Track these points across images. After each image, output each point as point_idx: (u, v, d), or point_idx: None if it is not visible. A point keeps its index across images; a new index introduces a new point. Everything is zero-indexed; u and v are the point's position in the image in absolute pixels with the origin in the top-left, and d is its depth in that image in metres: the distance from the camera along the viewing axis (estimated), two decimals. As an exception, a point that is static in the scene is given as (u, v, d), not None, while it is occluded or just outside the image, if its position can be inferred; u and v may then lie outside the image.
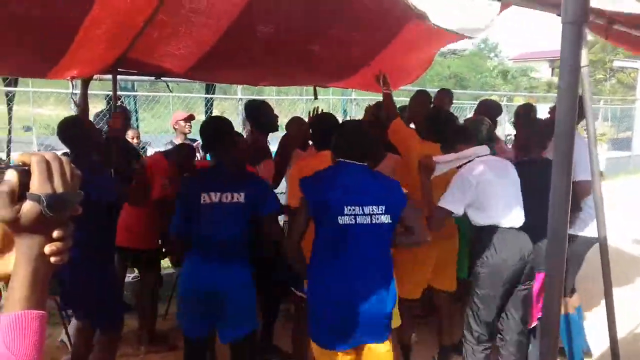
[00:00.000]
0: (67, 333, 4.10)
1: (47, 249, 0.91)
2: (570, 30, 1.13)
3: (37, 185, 0.88)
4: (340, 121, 5.23)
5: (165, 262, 5.13)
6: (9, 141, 6.82)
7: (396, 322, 3.24)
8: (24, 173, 0.89)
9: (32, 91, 9.49)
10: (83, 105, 4.11)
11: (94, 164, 3.32)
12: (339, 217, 2.52)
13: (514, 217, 3.24)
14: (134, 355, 4.19)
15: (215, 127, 3.19)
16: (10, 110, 6.65)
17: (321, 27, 3.94)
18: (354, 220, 2.53)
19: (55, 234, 0.92)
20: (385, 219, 2.57)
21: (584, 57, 2.04)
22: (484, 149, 3.37)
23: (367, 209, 2.55)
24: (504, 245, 3.20)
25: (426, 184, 3.35)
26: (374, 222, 2.55)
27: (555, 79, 32.49)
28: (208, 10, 3.52)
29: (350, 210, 2.53)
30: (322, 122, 3.76)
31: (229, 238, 2.96)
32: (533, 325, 3.59)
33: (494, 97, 20.98)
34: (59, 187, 0.90)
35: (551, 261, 1.21)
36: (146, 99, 7.93)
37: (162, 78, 4.50)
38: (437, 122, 3.83)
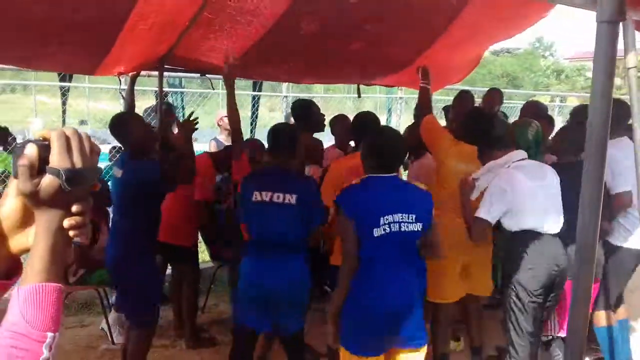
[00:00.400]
0: (107, 322, 4.22)
1: (66, 222, 0.92)
2: (605, 29, 1.07)
3: (56, 159, 0.89)
4: (384, 121, 5.19)
5: (204, 255, 5.22)
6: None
7: None
8: (44, 147, 0.90)
9: (86, 87, 9.80)
10: (130, 100, 4.21)
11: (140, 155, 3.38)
12: (374, 230, 2.55)
13: (550, 222, 3.14)
14: (171, 346, 4.26)
15: (286, 135, 3.22)
16: (64, 104, 6.88)
17: (365, 24, 3.90)
18: (387, 230, 2.55)
19: (74, 208, 0.93)
20: (415, 227, 2.59)
21: (632, 59, 1.94)
22: (519, 153, 3.27)
23: (397, 217, 2.56)
24: (540, 251, 3.11)
25: (467, 205, 3.31)
26: (403, 229, 2.57)
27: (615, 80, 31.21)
28: (253, 9, 3.56)
29: (384, 221, 2.55)
30: (362, 121, 3.77)
31: (280, 237, 3.01)
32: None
33: (546, 97, 20.43)
34: (78, 162, 0.91)
35: (578, 271, 1.15)
36: (193, 95, 8.07)
37: (207, 75, 4.55)
38: (474, 122, 3.71)
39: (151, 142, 3.57)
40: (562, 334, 3.50)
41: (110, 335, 4.20)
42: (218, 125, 5.80)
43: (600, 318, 3.80)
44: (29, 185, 0.89)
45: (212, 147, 5.66)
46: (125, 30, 3.17)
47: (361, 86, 5.85)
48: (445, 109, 5.96)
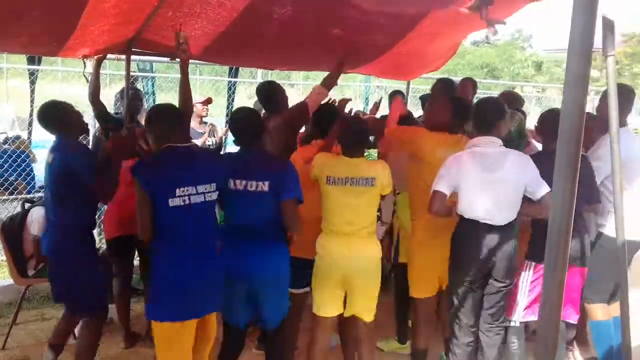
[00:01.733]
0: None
1: None
2: (583, 6, 0.97)
3: None
4: (362, 108, 5.11)
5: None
6: (31, 120, 6.85)
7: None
8: None
9: (60, 70, 9.54)
10: (95, 84, 4.05)
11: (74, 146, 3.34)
12: (169, 200, 2.74)
13: (497, 215, 3.11)
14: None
15: (244, 119, 3.17)
16: (32, 90, 6.66)
17: (341, 10, 3.79)
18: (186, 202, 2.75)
19: None
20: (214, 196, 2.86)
21: (611, 45, 1.87)
22: (485, 139, 3.19)
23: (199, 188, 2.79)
24: (473, 241, 3.13)
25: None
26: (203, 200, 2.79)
27: (592, 71, 31.57)
28: (223, -10, 3.43)
29: (180, 192, 2.73)
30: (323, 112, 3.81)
31: (256, 225, 2.99)
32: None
33: (527, 88, 20.53)
34: None
35: (548, 265, 1.08)
36: (166, 80, 7.92)
37: (176, 59, 4.39)
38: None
39: (79, 129, 3.47)
40: (525, 319, 3.45)
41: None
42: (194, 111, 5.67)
43: (595, 311, 3.77)
44: None
45: None
46: (88, 10, 3.02)
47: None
48: (423, 98, 5.89)
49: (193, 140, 5.27)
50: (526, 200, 3.15)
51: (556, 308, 1.05)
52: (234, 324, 3.14)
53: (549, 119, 3.46)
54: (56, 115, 3.32)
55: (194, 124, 5.57)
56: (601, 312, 3.74)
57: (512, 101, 4.82)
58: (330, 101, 4.28)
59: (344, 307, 3.32)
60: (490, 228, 3.11)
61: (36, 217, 3.89)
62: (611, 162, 1.96)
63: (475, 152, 3.17)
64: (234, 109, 7.54)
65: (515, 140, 3.98)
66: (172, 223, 2.71)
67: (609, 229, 3.62)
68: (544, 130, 3.53)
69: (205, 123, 5.82)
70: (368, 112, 5.06)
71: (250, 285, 2.99)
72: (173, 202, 2.66)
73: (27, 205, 4.23)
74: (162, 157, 2.79)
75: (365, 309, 3.29)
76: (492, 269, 3.17)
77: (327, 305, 3.28)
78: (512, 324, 3.43)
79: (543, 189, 3.08)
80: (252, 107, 3.76)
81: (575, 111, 0.98)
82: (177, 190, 2.67)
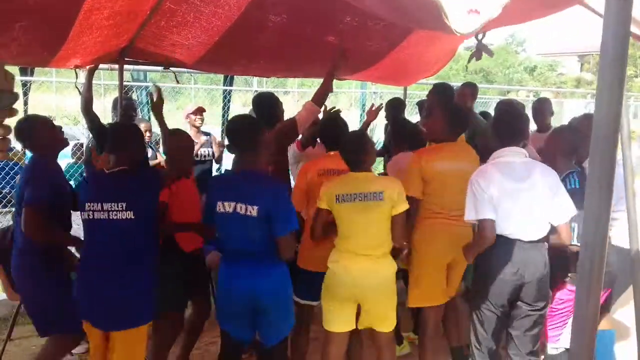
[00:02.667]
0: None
1: None
2: (616, 3, 0.89)
3: None
4: (358, 116, 5.06)
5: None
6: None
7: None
8: None
9: (53, 81, 9.47)
10: (87, 95, 3.98)
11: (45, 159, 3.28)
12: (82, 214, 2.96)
13: (527, 228, 2.95)
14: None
15: (240, 128, 3.01)
16: (26, 101, 6.58)
17: (336, 17, 3.74)
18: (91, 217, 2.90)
19: None
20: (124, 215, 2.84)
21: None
22: (509, 150, 3.07)
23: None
24: (502, 259, 2.94)
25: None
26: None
27: (585, 75, 31.76)
28: (216, -2, 3.37)
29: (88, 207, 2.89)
30: (332, 124, 3.76)
31: (246, 249, 2.87)
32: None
33: (521, 92, 20.56)
34: None
35: (582, 288, 1.00)
36: (164, 90, 7.86)
37: (170, 69, 4.34)
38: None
39: (53, 146, 3.35)
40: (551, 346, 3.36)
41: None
42: (187, 121, 5.60)
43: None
44: None
45: None
46: (79, 20, 2.95)
47: (335, 81, 5.69)
48: (420, 104, 5.83)
49: None
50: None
51: (590, 337, 0.98)
52: (234, 337, 3.04)
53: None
54: (26, 132, 3.25)
55: (191, 134, 5.49)
56: (606, 321, 3.65)
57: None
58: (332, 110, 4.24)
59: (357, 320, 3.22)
60: (522, 245, 2.94)
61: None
62: (623, 170, 1.89)
63: (500, 163, 3.02)
64: (229, 117, 7.54)
65: None
66: (85, 235, 2.96)
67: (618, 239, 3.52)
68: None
69: (206, 134, 5.70)
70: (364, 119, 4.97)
71: (249, 304, 2.88)
72: (83, 215, 2.87)
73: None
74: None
75: (383, 321, 3.19)
76: (521, 290, 2.98)
77: (338, 321, 3.17)
78: (555, 350, 3.33)
79: (566, 215, 2.94)
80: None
81: (610, 122, 0.91)
82: (86, 205, 2.85)
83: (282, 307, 2.97)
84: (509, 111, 3.42)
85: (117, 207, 2.81)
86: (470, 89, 4.70)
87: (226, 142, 3.56)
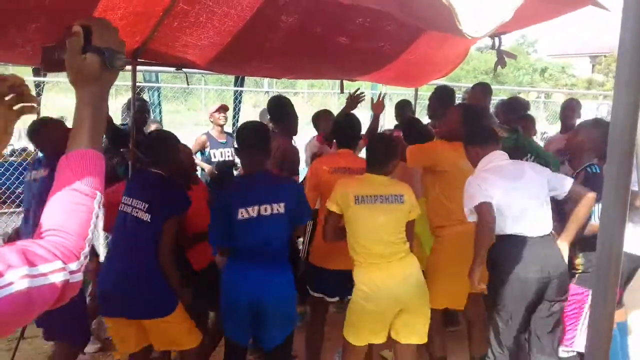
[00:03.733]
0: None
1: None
2: (634, 9, 0.89)
3: (98, 41, 1.08)
4: (368, 117, 5.09)
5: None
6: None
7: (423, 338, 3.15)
8: (87, 29, 1.07)
9: (56, 81, 9.56)
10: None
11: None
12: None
13: (533, 224, 2.96)
14: None
15: (252, 135, 3.03)
16: (39, 101, 6.63)
17: (348, 18, 3.74)
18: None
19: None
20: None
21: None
22: (499, 154, 3.13)
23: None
24: (525, 258, 2.90)
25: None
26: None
27: (596, 76, 31.49)
28: (230, -1, 3.39)
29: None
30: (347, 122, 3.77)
31: (271, 249, 2.89)
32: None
33: (532, 94, 20.46)
34: (115, 45, 1.11)
35: (598, 290, 1.00)
36: (173, 91, 7.91)
37: (183, 69, 4.36)
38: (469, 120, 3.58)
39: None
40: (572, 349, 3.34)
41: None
42: (211, 121, 5.62)
43: None
44: (78, 60, 1.06)
45: (200, 140, 5.52)
46: (93, 21, 2.98)
47: (345, 82, 5.70)
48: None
49: (211, 151, 5.25)
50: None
51: (606, 340, 0.97)
52: (236, 341, 3.04)
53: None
54: (39, 134, 3.32)
55: (215, 134, 5.52)
56: (617, 313, 3.65)
57: (516, 108, 4.79)
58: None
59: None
60: (536, 241, 2.93)
61: None
62: (637, 173, 1.86)
63: (492, 168, 3.07)
64: (240, 117, 7.57)
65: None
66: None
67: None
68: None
69: (229, 134, 5.72)
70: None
71: (254, 308, 2.88)
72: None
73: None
74: None
75: (422, 333, 3.14)
76: (547, 288, 2.95)
77: (363, 337, 3.11)
78: (566, 354, 3.29)
79: (568, 181, 2.98)
80: (258, 118, 3.73)
81: (628, 121, 0.90)
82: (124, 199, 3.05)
83: (284, 313, 2.96)
84: (477, 117, 3.54)
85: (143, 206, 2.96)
86: (481, 89, 4.71)
87: (234, 145, 3.60)
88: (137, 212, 2.95)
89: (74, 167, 1.01)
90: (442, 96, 4.55)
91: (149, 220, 2.92)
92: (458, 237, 3.39)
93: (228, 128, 7.71)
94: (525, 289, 2.91)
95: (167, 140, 3.27)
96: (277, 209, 2.85)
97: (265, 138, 3.01)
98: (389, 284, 2.97)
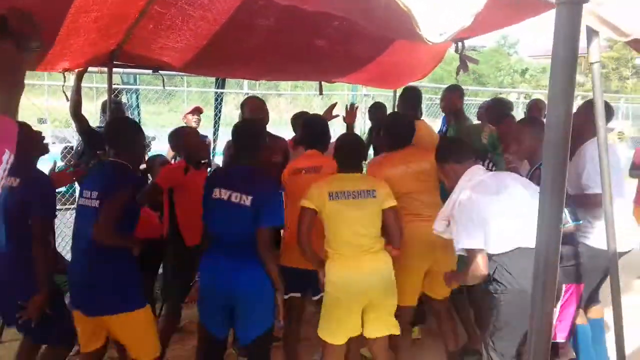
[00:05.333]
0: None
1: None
2: (566, 13, 0.92)
3: (12, 26, 1.28)
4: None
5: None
6: (16, 134, 6.74)
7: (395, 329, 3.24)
8: (2, 18, 1.27)
9: (45, 84, 9.49)
10: (76, 98, 3.99)
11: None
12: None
13: (524, 233, 2.72)
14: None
15: (246, 132, 3.18)
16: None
17: (324, 21, 3.77)
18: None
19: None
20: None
21: (595, 53, 1.84)
22: (477, 170, 3.04)
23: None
24: (522, 269, 2.73)
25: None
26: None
27: (577, 77, 31.77)
28: (205, 2, 3.39)
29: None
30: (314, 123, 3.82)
31: (237, 238, 2.93)
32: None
33: (512, 95, 20.68)
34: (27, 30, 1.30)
35: (537, 294, 1.03)
36: (156, 92, 7.86)
37: (160, 72, 4.36)
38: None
39: (32, 152, 3.26)
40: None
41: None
42: (184, 122, 5.61)
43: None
44: None
45: None
46: (67, 22, 2.97)
47: (326, 83, 5.72)
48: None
49: None
50: None
51: (546, 338, 1.00)
52: (211, 333, 3.07)
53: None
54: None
55: None
56: (580, 317, 3.69)
57: (501, 108, 4.84)
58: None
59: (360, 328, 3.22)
60: (529, 252, 2.78)
61: None
62: (600, 173, 1.92)
63: (477, 185, 2.94)
64: (221, 119, 7.55)
65: (491, 152, 3.95)
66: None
67: (590, 240, 3.55)
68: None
69: (203, 136, 5.70)
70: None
71: (227, 300, 2.93)
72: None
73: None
74: None
75: (390, 325, 3.22)
76: None
77: (339, 333, 3.15)
78: None
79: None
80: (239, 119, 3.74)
81: (560, 125, 0.94)
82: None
83: (261, 304, 2.96)
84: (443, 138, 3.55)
85: (91, 195, 2.94)
86: (457, 91, 4.75)
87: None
88: (90, 202, 2.92)
89: None
90: (408, 98, 4.54)
91: (97, 206, 2.89)
92: (416, 231, 3.41)
93: (209, 129, 7.70)
94: (528, 298, 2.77)
95: (124, 126, 3.26)
96: (244, 200, 2.90)
97: (254, 136, 3.14)
98: (358, 276, 3.07)
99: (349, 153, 3.28)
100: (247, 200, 2.90)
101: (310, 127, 3.77)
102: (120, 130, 3.16)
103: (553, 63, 0.96)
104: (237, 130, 3.19)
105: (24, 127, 3.30)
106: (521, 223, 2.75)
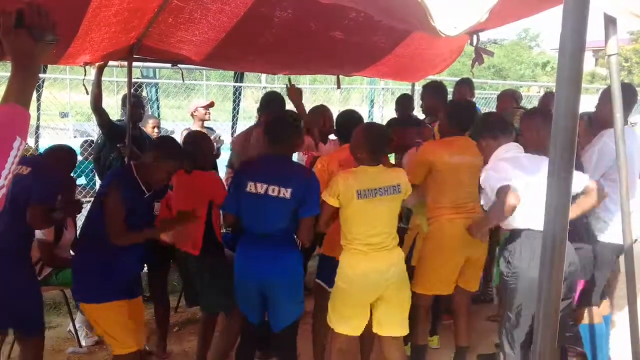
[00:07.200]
0: (73, 324, 4.08)
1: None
2: (574, 3, 0.92)
3: (29, 20, 1.32)
4: (367, 112, 5.08)
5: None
6: (37, 127, 6.86)
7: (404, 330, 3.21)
8: (20, 12, 1.33)
9: (67, 78, 9.62)
10: (97, 92, 4.05)
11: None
12: None
13: (539, 219, 2.89)
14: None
15: (282, 124, 3.22)
16: (39, 96, 6.68)
17: (341, 12, 3.77)
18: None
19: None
20: None
21: (613, 45, 1.83)
22: (513, 146, 3.06)
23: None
24: (535, 253, 2.74)
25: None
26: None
27: (599, 70, 31.46)
28: (224, -5, 3.42)
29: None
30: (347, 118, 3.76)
31: (273, 231, 3.01)
32: None
33: (533, 88, 20.45)
34: (44, 24, 1.34)
35: (545, 280, 1.04)
36: (175, 86, 7.95)
37: (178, 65, 4.40)
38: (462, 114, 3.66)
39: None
40: None
41: (77, 337, 4.07)
42: (192, 115, 5.66)
43: (591, 315, 3.67)
44: (10, 35, 1.32)
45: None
46: (88, 17, 3.02)
47: (345, 77, 5.72)
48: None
49: None
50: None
51: (553, 322, 1.01)
52: (248, 318, 3.21)
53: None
54: None
55: (197, 127, 5.58)
56: (588, 316, 3.66)
57: (514, 100, 4.86)
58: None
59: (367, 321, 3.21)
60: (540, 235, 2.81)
61: None
62: (616, 164, 1.91)
63: (511, 158, 2.98)
64: (239, 113, 7.60)
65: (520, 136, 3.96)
66: None
67: (601, 235, 3.50)
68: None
69: (210, 129, 5.77)
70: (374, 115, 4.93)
71: (261, 289, 3.04)
72: None
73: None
74: None
75: (400, 321, 3.19)
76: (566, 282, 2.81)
77: (348, 325, 3.16)
78: None
79: (583, 178, 2.87)
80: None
81: (568, 115, 0.94)
82: None
83: (292, 293, 3.08)
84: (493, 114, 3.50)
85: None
86: (467, 85, 4.75)
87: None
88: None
89: (2, 114, 1.23)
90: (435, 92, 4.55)
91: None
92: (449, 224, 3.44)
93: (228, 122, 7.75)
94: (535, 281, 2.81)
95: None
96: (284, 193, 2.95)
97: (290, 129, 3.18)
98: (371, 271, 3.04)
99: (383, 145, 3.16)
100: (287, 193, 2.96)
101: (349, 121, 3.66)
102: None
103: (560, 52, 0.96)
104: (270, 122, 3.23)
105: None
106: (539, 207, 2.71)
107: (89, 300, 3.07)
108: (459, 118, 3.63)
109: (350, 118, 3.69)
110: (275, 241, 3.01)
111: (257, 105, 4.53)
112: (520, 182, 2.80)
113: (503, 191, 2.76)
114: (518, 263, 2.86)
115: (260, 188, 2.97)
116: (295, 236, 3.17)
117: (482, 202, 3.12)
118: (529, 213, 2.79)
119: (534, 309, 2.81)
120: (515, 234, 2.92)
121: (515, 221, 2.87)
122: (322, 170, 3.48)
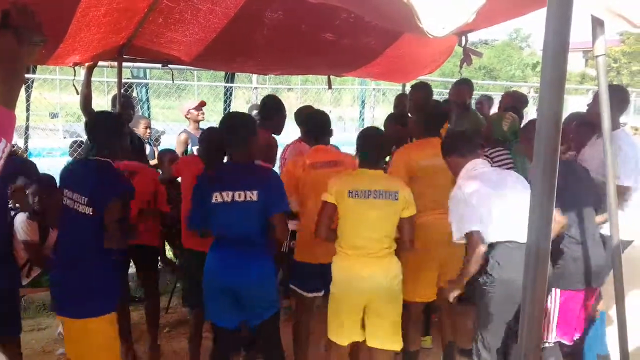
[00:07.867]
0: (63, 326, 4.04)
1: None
2: (557, 5, 0.93)
3: (15, 21, 1.29)
4: (358, 112, 5.08)
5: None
6: (27, 128, 6.81)
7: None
8: (5, 13, 1.30)
9: (57, 79, 9.57)
10: (86, 92, 4.03)
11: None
12: None
13: (519, 230, 2.93)
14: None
15: (232, 123, 3.12)
16: (28, 97, 6.63)
17: (332, 13, 3.78)
18: None
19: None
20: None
21: (601, 46, 1.84)
22: (476, 162, 3.09)
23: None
24: (510, 262, 2.84)
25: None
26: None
27: (589, 70, 31.65)
28: (214, -4, 3.41)
29: None
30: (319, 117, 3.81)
31: (244, 236, 2.95)
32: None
33: (523, 89, 20.56)
34: (30, 24, 1.32)
35: (530, 285, 1.05)
36: (165, 86, 7.92)
37: (169, 66, 4.39)
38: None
39: None
40: (557, 339, 3.38)
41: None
42: (186, 117, 5.65)
43: None
44: None
45: (182, 139, 5.52)
46: (77, 17, 3.01)
47: (337, 78, 5.73)
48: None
49: (193, 147, 5.28)
50: None
51: (536, 330, 1.02)
52: (223, 326, 3.10)
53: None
54: None
55: (192, 130, 5.56)
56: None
57: (517, 101, 4.88)
58: None
59: (363, 334, 3.19)
60: (520, 246, 2.81)
61: (19, 222, 3.77)
62: (605, 164, 1.93)
63: (479, 174, 3.03)
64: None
65: (510, 140, 3.98)
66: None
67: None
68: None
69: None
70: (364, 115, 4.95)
71: (235, 293, 2.96)
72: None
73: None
74: None
75: (391, 335, 3.15)
76: None
77: (343, 333, 3.15)
78: (546, 344, 3.32)
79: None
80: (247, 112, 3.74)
81: (551, 117, 0.95)
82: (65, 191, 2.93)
83: (264, 296, 3.02)
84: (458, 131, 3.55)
85: (82, 200, 2.85)
86: (466, 86, 4.75)
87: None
88: (78, 206, 2.85)
89: None
90: (422, 92, 4.57)
91: (90, 213, 2.83)
92: (430, 224, 3.43)
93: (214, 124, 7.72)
94: (513, 290, 2.78)
95: (107, 121, 3.15)
96: (250, 196, 2.91)
97: (250, 131, 3.06)
98: (354, 277, 3.03)
99: (378, 149, 3.19)
100: (254, 195, 2.92)
101: (314, 121, 3.75)
102: (98, 124, 3.08)
103: (543, 55, 0.96)
104: (226, 126, 3.12)
105: None
106: (515, 219, 2.78)
107: (102, 311, 2.92)
108: (435, 120, 3.70)
109: (321, 117, 3.76)
110: (248, 244, 2.95)
111: (248, 105, 4.52)
112: (488, 197, 2.89)
113: (472, 240, 2.87)
114: (497, 274, 2.89)
115: (227, 196, 2.91)
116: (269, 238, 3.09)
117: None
118: (504, 226, 2.86)
119: (510, 317, 2.90)
120: (491, 246, 2.94)
121: (490, 236, 2.91)
122: (289, 171, 3.57)
